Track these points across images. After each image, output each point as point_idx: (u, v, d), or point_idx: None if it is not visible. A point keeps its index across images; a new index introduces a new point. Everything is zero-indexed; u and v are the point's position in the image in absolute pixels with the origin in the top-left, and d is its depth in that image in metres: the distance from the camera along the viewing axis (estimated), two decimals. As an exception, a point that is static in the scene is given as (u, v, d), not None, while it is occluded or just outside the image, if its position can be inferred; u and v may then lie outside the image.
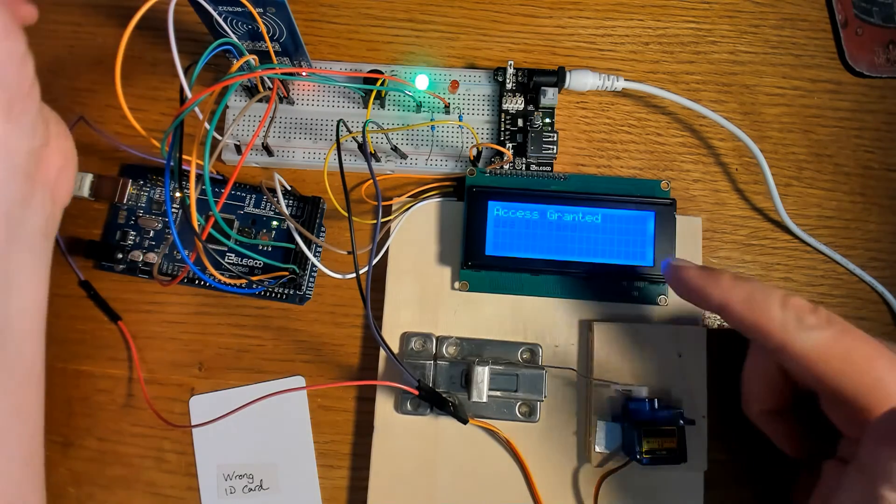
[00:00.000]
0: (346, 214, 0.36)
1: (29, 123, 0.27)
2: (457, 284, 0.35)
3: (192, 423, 0.35)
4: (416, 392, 0.31)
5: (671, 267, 0.30)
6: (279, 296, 0.36)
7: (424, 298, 0.35)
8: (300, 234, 0.33)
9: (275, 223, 0.36)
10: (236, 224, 0.36)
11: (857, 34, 0.39)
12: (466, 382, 0.33)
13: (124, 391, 0.36)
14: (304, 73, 0.36)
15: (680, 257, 0.33)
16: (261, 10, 0.30)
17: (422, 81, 0.37)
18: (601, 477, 0.32)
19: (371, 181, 0.37)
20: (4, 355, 0.27)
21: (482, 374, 0.33)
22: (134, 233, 0.36)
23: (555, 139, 0.37)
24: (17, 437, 0.28)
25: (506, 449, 0.34)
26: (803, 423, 0.30)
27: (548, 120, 0.37)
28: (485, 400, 0.33)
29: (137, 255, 0.36)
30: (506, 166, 0.37)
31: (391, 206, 0.37)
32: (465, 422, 0.32)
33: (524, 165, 0.37)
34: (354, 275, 0.31)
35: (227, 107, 0.38)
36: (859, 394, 0.25)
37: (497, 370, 0.33)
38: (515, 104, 0.37)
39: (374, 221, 0.36)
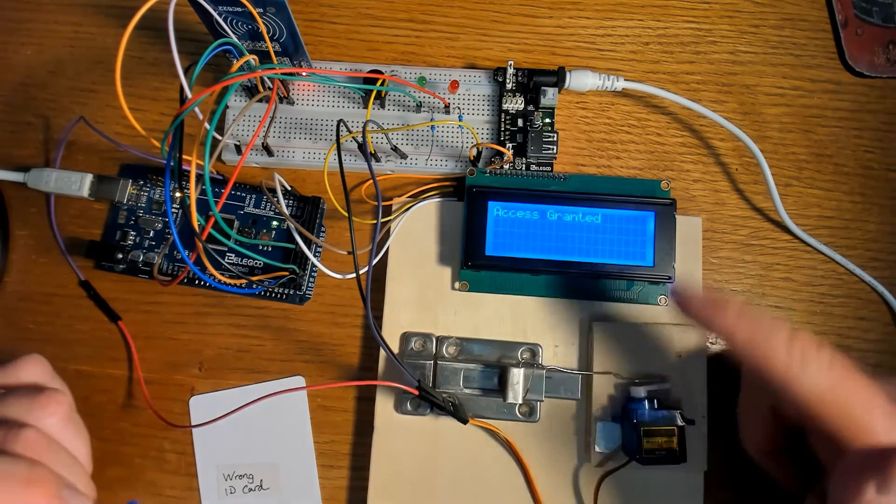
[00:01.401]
0: (346, 214, 0.36)
1: None
2: (457, 284, 0.35)
3: (192, 423, 0.35)
4: (416, 392, 0.31)
5: (676, 293, 0.30)
6: (279, 296, 0.36)
7: (424, 298, 0.35)
8: (300, 235, 0.33)
9: (275, 223, 0.36)
10: (236, 224, 0.36)
11: (857, 34, 0.39)
12: (501, 384, 0.33)
13: (124, 391, 0.36)
14: (304, 73, 0.36)
15: (684, 283, 0.32)
16: (261, 10, 0.30)
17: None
18: (601, 477, 0.32)
19: (371, 181, 0.37)
20: None
21: (517, 375, 0.33)
22: (134, 233, 0.36)
23: (555, 139, 0.37)
24: None
25: (506, 449, 0.34)
26: (796, 456, 0.31)
27: (548, 120, 0.37)
28: (520, 401, 0.33)
29: (137, 255, 0.36)
30: (506, 166, 0.37)
31: (391, 206, 0.37)
32: (465, 422, 0.32)
33: (524, 165, 0.37)
34: (354, 275, 0.31)
35: (227, 107, 0.38)
36: (850, 438, 0.25)
37: (494, 370, 0.33)
38: (515, 104, 0.37)
39: (374, 221, 0.36)
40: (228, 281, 0.34)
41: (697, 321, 0.29)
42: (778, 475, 0.31)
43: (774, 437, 0.30)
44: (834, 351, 0.26)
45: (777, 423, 0.30)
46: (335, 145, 0.31)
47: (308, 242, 0.35)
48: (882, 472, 0.23)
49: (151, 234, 0.36)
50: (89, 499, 0.27)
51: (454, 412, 0.32)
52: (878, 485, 0.23)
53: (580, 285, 0.35)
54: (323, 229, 0.37)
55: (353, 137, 0.37)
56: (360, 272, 0.31)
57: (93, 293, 0.36)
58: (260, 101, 0.37)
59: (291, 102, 0.38)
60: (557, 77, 0.37)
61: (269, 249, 0.36)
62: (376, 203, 0.32)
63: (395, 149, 0.36)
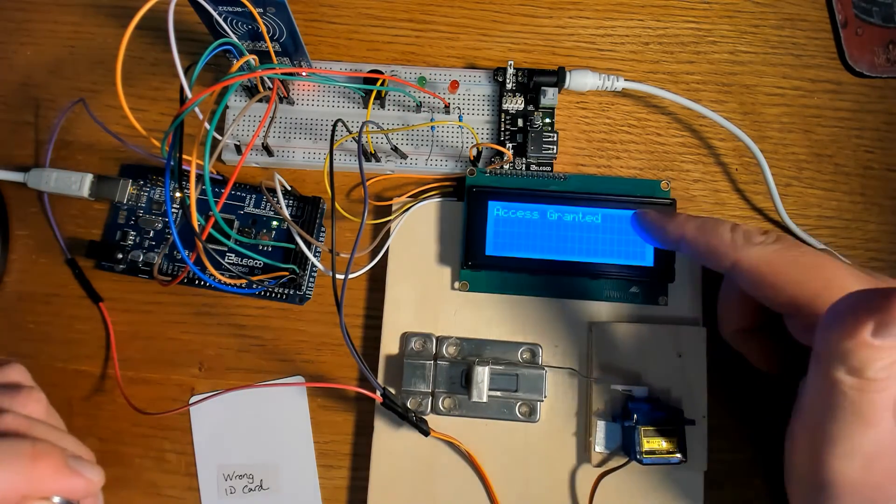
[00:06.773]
0: (345, 215, 0.36)
1: None
2: (457, 284, 0.35)
3: (193, 423, 0.35)
4: (381, 400, 0.31)
5: (635, 215, 0.33)
6: (279, 296, 0.36)
7: (424, 298, 0.35)
8: (300, 237, 0.33)
9: (275, 223, 0.36)
10: (236, 224, 0.36)
11: (857, 34, 0.39)
12: (466, 382, 0.33)
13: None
14: (304, 73, 0.36)
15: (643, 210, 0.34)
16: (261, 10, 0.30)
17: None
18: (598, 477, 0.32)
19: (374, 180, 0.37)
20: None
21: (482, 374, 0.33)
22: (134, 233, 0.36)
23: (555, 139, 0.37)
24: None
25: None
26: (776, 341, 0.31)
27: (548, 120, 0.37)
28: (485, 400, 0.33)
29: (137, 255, 0.36)
30: (506, 166, 0.37)
31: (391, 206, 0.37)
32: (426, 434, 0.32)
33: (524, 165, 0.37)
34: (354, 275, 0.31)
35: (227, 107, 0.38)
36: (812, 299, 0.25)
37: (497, 370, 0.33)
38: (515, 104, 0.37)
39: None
40: (228, 281, 0.34)
41: (653, 233, 0.32)
42: (754, 357, 0.32)
43: (746, 317, 0.31)
44: (782, 233, 0.27)
45: (748, 304, 0.30)
46: (336, 144, 0.31)
47: (308, 243, 0.35)
48: (880, 312, 0.20)
49: (151, 234, 0.36)
50: (94, 463, 0.29)
51: (415, 423, 0.32)
52: (875, 325, 0.21)
53: (580, 285, 0.35)
54: (323, 229, 0.37)
55: (353, 137, 0.37)
56: (338, 276, 0.30)
57: (77, 272, 0.36)
58: (260, 101, 0.37)
59: (291, 102, 0.38)
60: (557, 77, 0.37)
61: (269, 249, 0.36)
62: (372, 204, 0.32)
63: (395, 149, 0.36)
